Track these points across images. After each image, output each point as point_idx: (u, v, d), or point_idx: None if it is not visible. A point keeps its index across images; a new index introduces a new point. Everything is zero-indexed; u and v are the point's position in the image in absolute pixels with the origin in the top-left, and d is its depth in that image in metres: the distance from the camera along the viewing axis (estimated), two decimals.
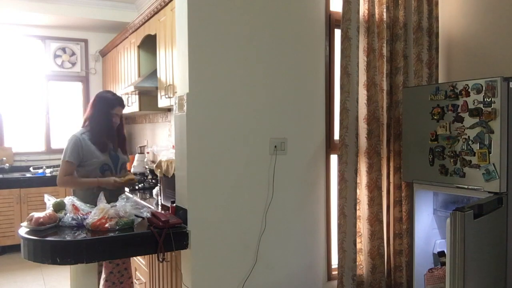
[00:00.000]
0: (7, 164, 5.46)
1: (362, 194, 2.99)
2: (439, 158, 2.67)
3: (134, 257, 3.36)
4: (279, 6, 2.72)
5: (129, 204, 2.47)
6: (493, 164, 2.38)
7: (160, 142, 4.80)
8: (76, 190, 2.92)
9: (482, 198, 2.40)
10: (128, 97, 4.57)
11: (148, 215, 2.51)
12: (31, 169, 5.47)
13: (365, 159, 2.97)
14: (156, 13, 3.83)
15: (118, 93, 4.96)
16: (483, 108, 2.42)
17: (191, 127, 2.46)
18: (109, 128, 2.94)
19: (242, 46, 2.61)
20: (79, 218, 2.41)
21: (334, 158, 2.96)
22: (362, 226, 3.01)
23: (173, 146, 3.00)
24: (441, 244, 2.93)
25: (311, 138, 2.89)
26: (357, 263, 2.92)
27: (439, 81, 3.24)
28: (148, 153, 4.73)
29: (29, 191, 5.08)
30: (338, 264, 2.83)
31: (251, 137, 2.65)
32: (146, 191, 3.77)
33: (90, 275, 2.46)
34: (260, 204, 2.68)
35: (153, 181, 4.03)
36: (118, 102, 2.97)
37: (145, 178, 4.29)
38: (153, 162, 4.39)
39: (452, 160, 2.60)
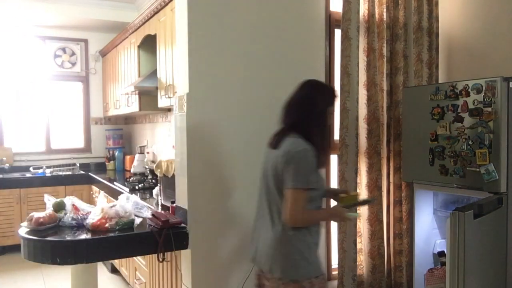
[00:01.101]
0: (7, 164, 5.45)
1: (362, 194, 2.99)
2: (439, 158, 2.67)
3: (134, 257, 3.36)
4: (279, 6, 2.72)
5: (129, 204, 2.47)
6: (493, 164, 2.38)
7: (160, 142, 4.80)
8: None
9: (482, 198, 2.40)
10: (128, 97, 4.58)
11: (148, 215, 2.52)
12: (31, 169, 5.46)
13: (365, 159, 2.97)
14: (156, 13, 3.83)
15: (118, 93, 5.01)
16: (483, 108, 2.42)
17: (191, 127, 2.46)
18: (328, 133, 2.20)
19: (242, 46, 2.61)
20: (79, 218, 2.41)
21: (334, 158, 2.96)
22: (362, 226, 3.01)
23: (173, 146, 3.00)
24: (441, 244, 2.93)
25: None
26: (357, 263, 2.92)
27: (439, 81, 3.24)
28: (148, 153, 4.73)
29: (29, 191, 5.07)
30: (338, 264, 2.83)
31: (251, 137, 2.65)
32: (146, 191, 3.77)
33: (90, 275, 2.46)
34: None
35: (153, 181, 4.03)
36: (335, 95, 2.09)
37: (145, 178, 4.29)
38: (153, 162, 4.38)
39: (452, 160, 2.59)
